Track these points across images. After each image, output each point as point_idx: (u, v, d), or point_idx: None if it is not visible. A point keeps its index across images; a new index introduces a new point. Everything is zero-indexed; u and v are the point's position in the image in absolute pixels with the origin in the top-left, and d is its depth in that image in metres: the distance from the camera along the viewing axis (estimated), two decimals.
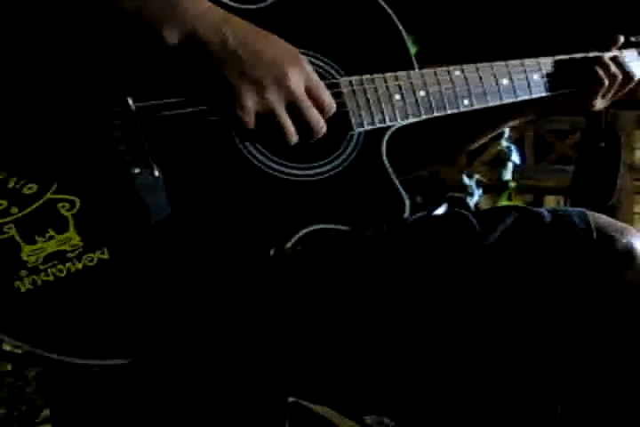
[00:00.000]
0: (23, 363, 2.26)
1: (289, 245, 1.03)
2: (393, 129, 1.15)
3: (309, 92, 0.99)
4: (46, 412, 2.07)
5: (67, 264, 0.92)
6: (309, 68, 1.00)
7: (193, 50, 0.93)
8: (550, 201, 3.73)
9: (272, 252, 1.02)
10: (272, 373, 1.05)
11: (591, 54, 1.30)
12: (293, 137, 0.99)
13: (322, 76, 1.05)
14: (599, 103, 1.31)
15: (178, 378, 1.02)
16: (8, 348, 2.25)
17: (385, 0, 1.15)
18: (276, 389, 1.10)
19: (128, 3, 0.91)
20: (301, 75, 0.98)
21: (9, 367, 2.29)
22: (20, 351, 2.22)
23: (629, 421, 0.99)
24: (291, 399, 1.21)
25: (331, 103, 1.02)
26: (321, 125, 1.01)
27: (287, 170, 1.05)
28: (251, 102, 0.95)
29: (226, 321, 0.98)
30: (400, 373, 1.03)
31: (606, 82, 1.27)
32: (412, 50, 1.18)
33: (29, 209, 0.91)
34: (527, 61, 1.25)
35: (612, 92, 1.29)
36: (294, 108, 0.98)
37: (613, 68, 1.28)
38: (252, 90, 0.95)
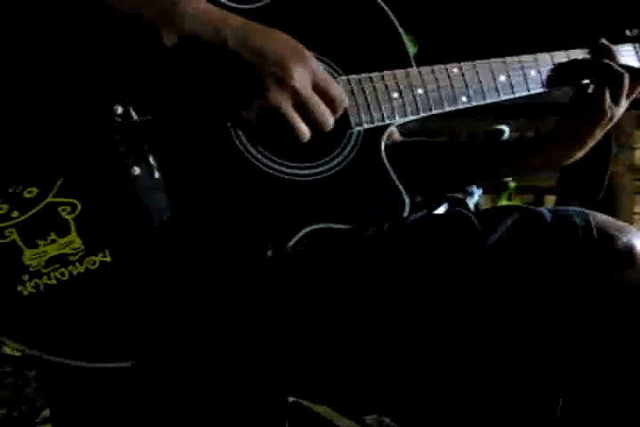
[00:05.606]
0: (23, 365, 2.26)
1: (290, 244, 1.03)
2: (392, 127, 1.15)
3: (316, 87, 0.96)
4: (46, 412, 2.07)
5: (69, 267, 0.92)
6: (314, 62, 0.97)
7: (192, 52, 0.91)
8: (550, 201, 3.72)
9: (270, 253, 1.01)
10: (272, 373, 1.05)
11: (588, 50, 1.29)
12: (305, 135, 0.96)
13: None
14: (618, 106, 1.24)
15: (178, 378, 1.02)
16: (8, 351, 2.25)
17: None
18: (276, 389, 1.10)
19: (126, 6, 0.90)
20: (306, 70, 0.95)
21: (9, 368, 2.29)
22: (19, 354, 2.22)
23: (629, 421, 0.99)
24: (291, 399, 1.21)
25: (340, 95, 0.99)
26: (326, 119, 0.97)
27: (287, 170, 1.05)
28: (255, 103, 0.93)
29: (227, 321, 0.98)
30: (400, 373, 1.03)
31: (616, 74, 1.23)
32: (412, 49, 1.18)
33: (30, 213, 0.91)
34: (524, 58, 1.25)
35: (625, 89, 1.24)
36: (301, 106, 0.95)
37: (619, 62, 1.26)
38: (255, 91, 0.93)
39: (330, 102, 0.97)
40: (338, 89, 0.99)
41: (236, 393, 1.07)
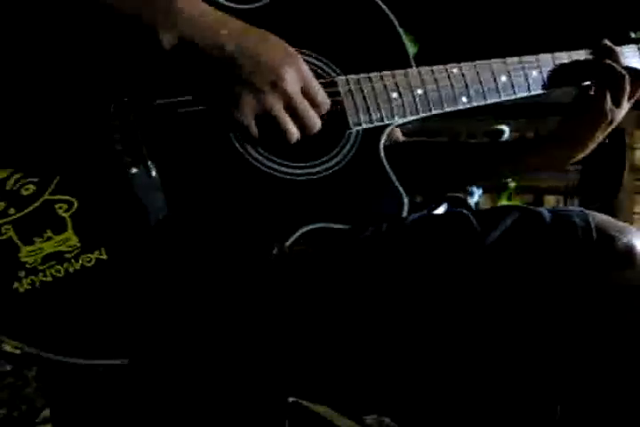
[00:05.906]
0: (23, 363, 2.26)
1: (288, 244, 1.03)
2: (391, 127, 1.15)
3: (305, 92, 1.00)
4: (46, 412, 2.07)
5: (65, 265, 0.92)
6: (305, 67, 1.00)
7: (189, 54, 0.93)
8: (550, 201, 3.72)
9: (275, 251, 1.02)
10: (272, 373, 1.05)
11: (590, 51, 1.29)
12: (294, 135, 1.00)
13: (319, 76, 1.05)
14: (618, 106, 1.23)
15: (178, 378, 1.02)
16: (8, 349, 2.25)
17: None
18: (276, 389, 1.10)
19: (126, 6, 0.91)
20: (297, 75, 0.99)
21: (8, 368, 2.29)
22: (18, 352, 2.22)
23: (629, 421, 0.98)
24: (291, 399, 1.21)
25: (326, 102, 1.03)
26: (314, 122, 1.02)
27: (286, 169, 1.05)
28: (249, 106, 0.96)
29: (225, 321, 0.98)
30: (400, 373, 1.03)
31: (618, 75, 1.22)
32: (412, 49, 1.18)
33: (27, 210, 0.92)
34: (525, 58, 1.24)
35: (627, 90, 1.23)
36: (292, 109, 0.99)
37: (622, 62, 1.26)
38: (250, 94, 0.96)
39: (316, 107, 1.02)
40: (324, 96, 1.03)
41: (236, 393, 1.07)
